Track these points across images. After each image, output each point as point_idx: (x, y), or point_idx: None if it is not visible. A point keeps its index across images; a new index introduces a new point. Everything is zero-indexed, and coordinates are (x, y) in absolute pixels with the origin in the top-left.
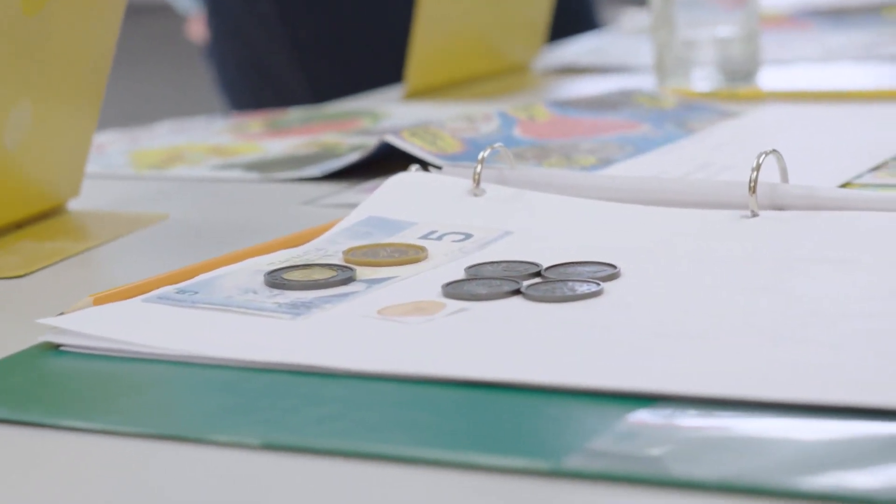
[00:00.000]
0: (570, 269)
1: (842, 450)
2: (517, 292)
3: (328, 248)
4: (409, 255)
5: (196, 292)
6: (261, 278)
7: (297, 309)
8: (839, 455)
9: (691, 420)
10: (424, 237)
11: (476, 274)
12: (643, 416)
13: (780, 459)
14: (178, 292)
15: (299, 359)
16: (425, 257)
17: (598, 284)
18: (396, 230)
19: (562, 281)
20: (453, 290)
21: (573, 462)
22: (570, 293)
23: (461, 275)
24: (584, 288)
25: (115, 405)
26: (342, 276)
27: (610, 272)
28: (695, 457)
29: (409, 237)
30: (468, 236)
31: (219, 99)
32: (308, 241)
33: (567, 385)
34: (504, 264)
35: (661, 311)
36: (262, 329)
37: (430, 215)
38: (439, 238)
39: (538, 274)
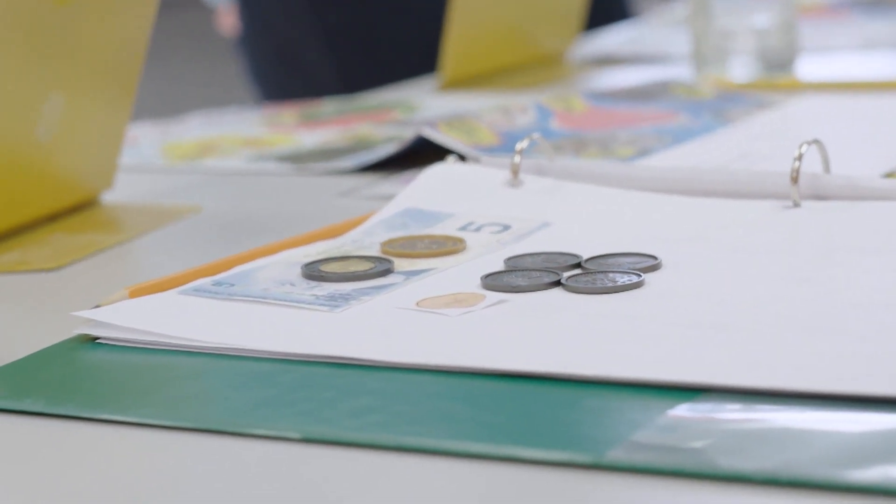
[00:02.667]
0: (611, 261)
1: (887, 442)
2: (557, 283)
3: (364, 239)
4: (448, 246)
5: (232, 284)
6: (297, 270)
7: (335, 301)
8: (884, 447)
9: (734, 413)
10: (462, 229)
11: (516, 265)
12: (685, 409)
13: (824, 452)
14: (214, 284)
15: (338, 351)
16: (463, 249)
17: (639, 276)
18: (434, 221)
19: (602, 272)
20: (493, 281)
21: (616, 455)
22: (610, 284)
23: (500, 266)
24: (624, 279)
25: (151, 398)
26: (380, 267)
27: (651, 263)
28: (738, 449)
29: (446, 229)
30: (506, 227)
31: (249, 90)
32: (344, 233)
33: (608, 377)
34: (544, 256)
35: (701, 303)
36: (300, 321)
37: (468, 206)
38: (477, 229)
39: (578, 265)
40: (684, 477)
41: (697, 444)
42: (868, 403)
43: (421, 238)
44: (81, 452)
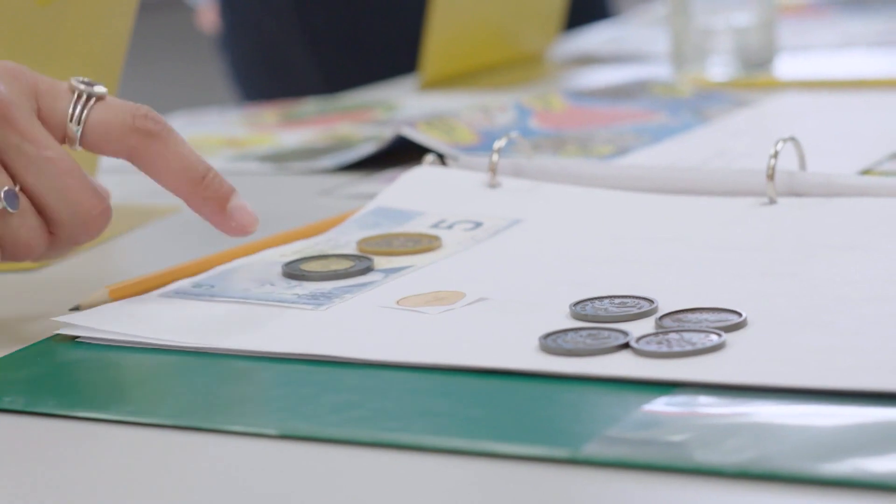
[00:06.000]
0: (691, 317)
1: (860, 435)
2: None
3: (339, 238)
4: (424, 244)
5: (212, 286)
6: (277, 270)
7: (317, 299)
8: (858, 440)
9: (709, 407)
10: (435, 226)
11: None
12: (661, 404)
13: (797, 445)
14: (194, 286)
15: (319, 349)
16: (439, 246)
17: (720, 335)
18: (405, 220)
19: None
20: (552, 343)
21: (592, 449)
22: (689, 348)
23: (478, 266)
24: (703, 340)
25: (130, 395)
26: (361, 265)
27: (736, 321)
28: (713, 443)
29: (418, 226)
30: (478, 224)
31: (231, 90)
32: (321, 231)
33: (584, 373)
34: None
35: (678, 299)
36: (281, 321)
37: (443, 206)
38: (450, 227)
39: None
40: (660, 470)
41: (674, 437)
42: (842, 396)
43: (397, 236)
44: (61, 450)
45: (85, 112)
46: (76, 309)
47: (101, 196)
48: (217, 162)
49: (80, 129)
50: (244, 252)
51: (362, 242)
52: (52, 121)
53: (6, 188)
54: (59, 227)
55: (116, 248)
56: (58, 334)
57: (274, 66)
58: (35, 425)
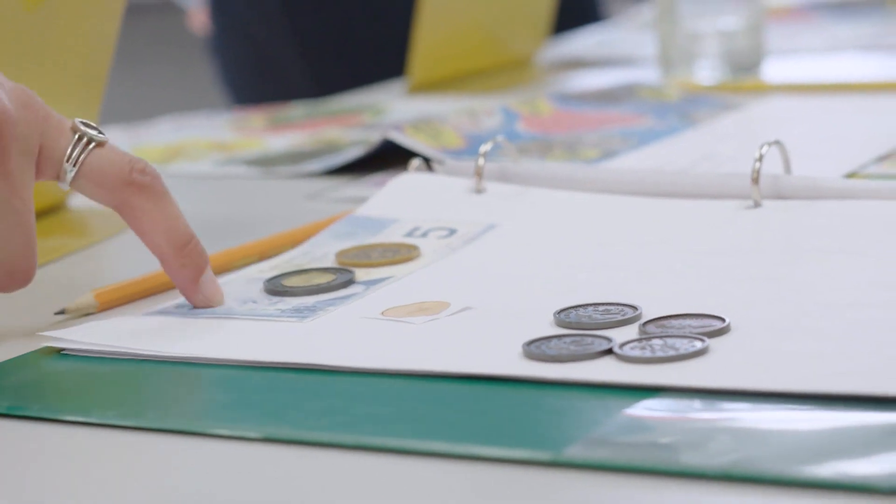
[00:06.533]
0: (675, 322)
1: (843, 438)
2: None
3: (315, 251)
4: (402, 254)
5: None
6: (258, 287)
7: (301, 313)
8: (840, 443)
9: (693, 411)
10: (409, 234)
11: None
12: (644, 408)
13: (781, 448)
14: (177, 307)
15: (303, 358)
16: (418, 255)
17: (704, 341)
18: (380, 228)
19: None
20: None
21: (574, 452)
22: (672, 353)
23: (461, 275)
24: (687, 346)
25: (115, 400)
26: (342, 278)
27: (719, 327)
28: (694, 446)
29: (392, 235)
30: (453, 231)
31: (222, 94)
32: (302, 239)
33: (568, 379)
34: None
35: (662, 304)
36: (266, 332)
37: (425, 214)
38: (424, 235)
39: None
40: (642, 473)
41: (655, 440)
42: (826, 400)
43: (374, 247)
44: (45, 454)
45: (83, 155)
46: (62, 312)
47: (32, 263)
48: (204, 166)
49: (75, 172)
50: (231, 256)
51: (341, 255)
52: (50, 156)
53: None
54: None
55: (103, 252)
56: (44, 347)
57: (264, 71)
58: (20, 429)
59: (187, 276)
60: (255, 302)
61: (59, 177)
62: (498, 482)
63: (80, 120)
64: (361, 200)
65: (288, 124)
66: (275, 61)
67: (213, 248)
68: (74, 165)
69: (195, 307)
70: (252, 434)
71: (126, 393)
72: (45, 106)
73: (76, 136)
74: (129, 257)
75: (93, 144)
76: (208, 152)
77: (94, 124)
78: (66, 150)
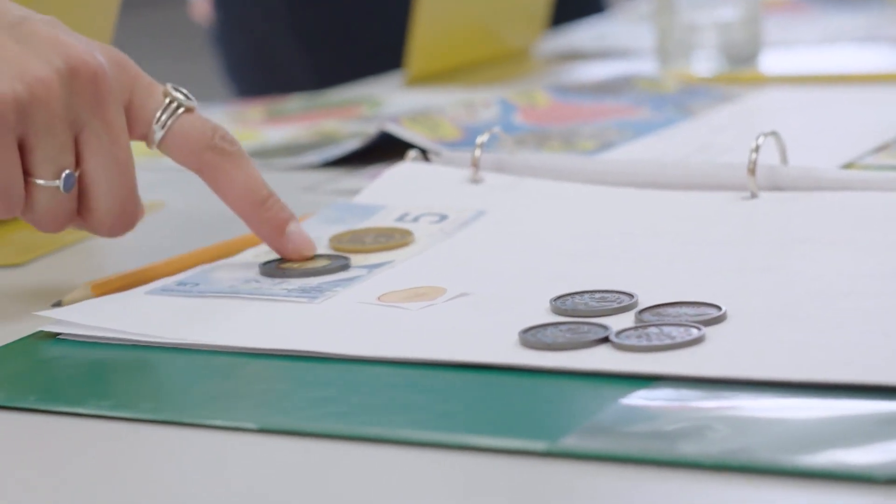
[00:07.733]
0: (671, 311)
1: (839, 427)
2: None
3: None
4: (397, 238)
5: (197, 284)
6: (254, 270)
7: (308, 293)
8: (837, 433)
9: (689, 400)
10: (399, 220)
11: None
12: (639, 397)
13: (777, 437)
14: (178, 284)
15: (299, 345)
16: (413, 240)
17: (699, 329)
18: (369, 214)
19: (657, 325)
20: (532, 337)
21: (569, 442)
22: (668, 342)
23: (458, 261)
24: (682, 334)
25: (110, 390)
26: (338, 263)
27: (715, 315)
28: (692, 435)
29: (383, 220)
30: (443, 217)
31: (224, 86)
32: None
33: (564, 367)
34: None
35: (658, 293)
36: (264, 317)
37: (420, 202)
38: (415, 220)
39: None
40: (638, 463)
41: (651, 430)
42: (822, 389)
43: (366, 232)
44: (40, 444)
45: (171, 119)
46: (58, 305)
47: (139, 204)
48: None
49: (163, 134)
50: (228, 248)
51: (334, 240)
52: (139, 116)
53: (68, 171)
54: (90, 215)
55: (99, 245)
56: (40, 331)
57: (266, 64)
58: (16, 419)
59: (270, 230)
60: (257, 282)
61: (146, 137)
62: (493, 472)
63: (172, 84)
64: (359, 192)
65: (285, 116)
66: (276, 55)
67: (210, 240)
68: (163, 128)
69: (287, 257)
70: (249, 425)
71: (121, 382)
72: (136, 66)
73: (167, 101)
74: (126, 249)
75: (182, 109)
76: None
77: (186, 91)
78: (156, 112)
